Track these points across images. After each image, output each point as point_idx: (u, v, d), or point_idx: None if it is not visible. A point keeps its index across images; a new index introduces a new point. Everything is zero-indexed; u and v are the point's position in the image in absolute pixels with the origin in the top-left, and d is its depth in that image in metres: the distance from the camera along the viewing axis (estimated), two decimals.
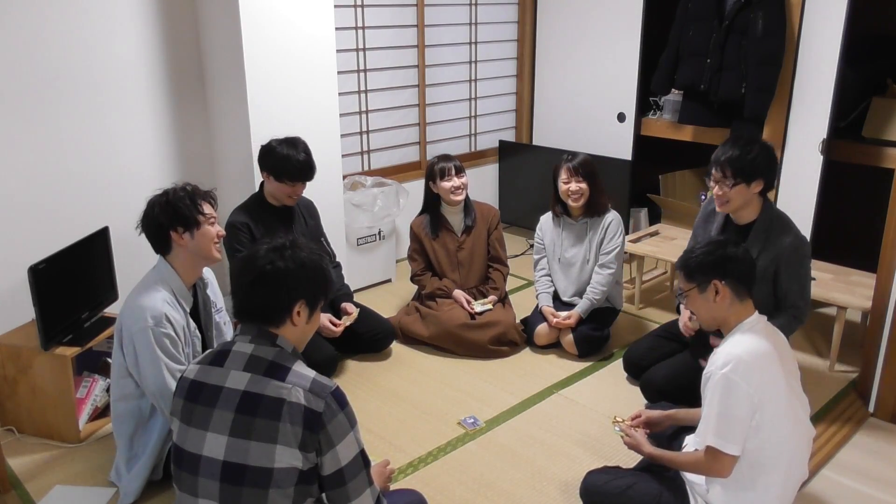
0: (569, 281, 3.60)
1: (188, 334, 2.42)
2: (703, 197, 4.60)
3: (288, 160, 3.06)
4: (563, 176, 3.43)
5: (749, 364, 1.96)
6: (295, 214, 3.30)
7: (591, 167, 3.45)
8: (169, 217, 2.34)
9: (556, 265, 3.62)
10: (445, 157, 3.57)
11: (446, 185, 3.51)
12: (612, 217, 3.51)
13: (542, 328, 3.51)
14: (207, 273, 2.61)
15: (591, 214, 3.50)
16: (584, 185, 3.42)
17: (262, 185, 3.25)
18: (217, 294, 2.66)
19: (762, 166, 2.59)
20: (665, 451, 2.21)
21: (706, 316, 2.14)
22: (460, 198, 3.56)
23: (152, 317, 2.29)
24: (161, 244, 2.39)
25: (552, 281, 3.64)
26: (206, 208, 2.40)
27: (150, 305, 2.30)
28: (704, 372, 2.04)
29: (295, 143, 3.11)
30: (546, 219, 3.66)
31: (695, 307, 2.15)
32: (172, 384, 2.28)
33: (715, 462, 1.99)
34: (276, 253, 1.73)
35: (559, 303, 3.59)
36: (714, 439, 1.97)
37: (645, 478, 2.22)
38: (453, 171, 3.52)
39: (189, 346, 2.42)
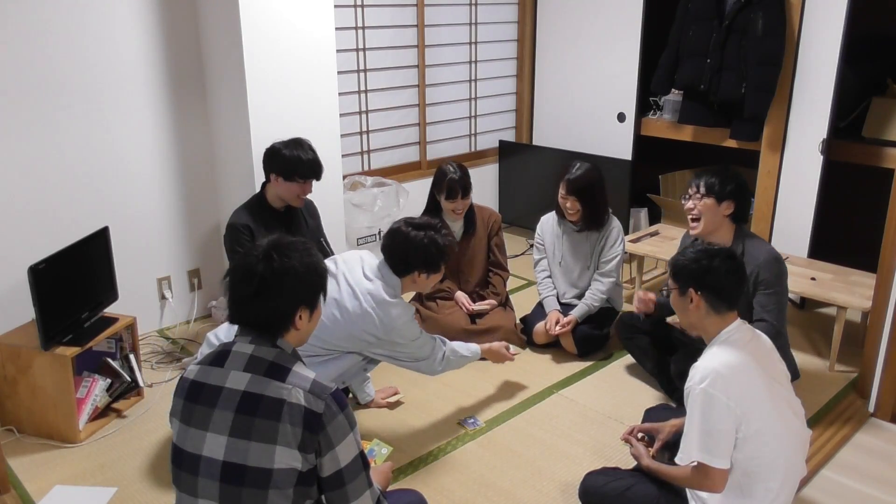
0: (568, 284, 3.59)
1: None
2: None
3: (298, 159, 3.07)
4: (562, 190, 3.41)
5: (727, 377, 1.95)
6: (296, 215, 3.28)
7: (588, 186, 3.36)
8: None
9: (557, 268, 3.61)
10: (458, 173, 3.41)
11: (448, 205, 3.45)
12: (614, 225, 3.49)
13: (540, 326, 3.50)
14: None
15: (589, 227, 3.48)
16: (577, 204, 3.39)
17: (263, 185, 3.24)
18: None
19: (734, 191, 2.77)
20: (661, 464, 2.21)
21: (682, 319, 2.16)
22: (459, 215, 3.50)
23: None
24: None
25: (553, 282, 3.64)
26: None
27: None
28: (685, 387, 2.04)
29: (301, 143, 3.13)
30: (546, 219, 3.63)
31: (675, 307, 2.17)
32: None
33: (706, 478, 1.98)
34: (266, 263, 1.67)
35: (559, 304, 3.58)
36: (700, 454, 1.96)
37: (644, 479, 2.22)
38: (459, 195, 3.41)
39: None
